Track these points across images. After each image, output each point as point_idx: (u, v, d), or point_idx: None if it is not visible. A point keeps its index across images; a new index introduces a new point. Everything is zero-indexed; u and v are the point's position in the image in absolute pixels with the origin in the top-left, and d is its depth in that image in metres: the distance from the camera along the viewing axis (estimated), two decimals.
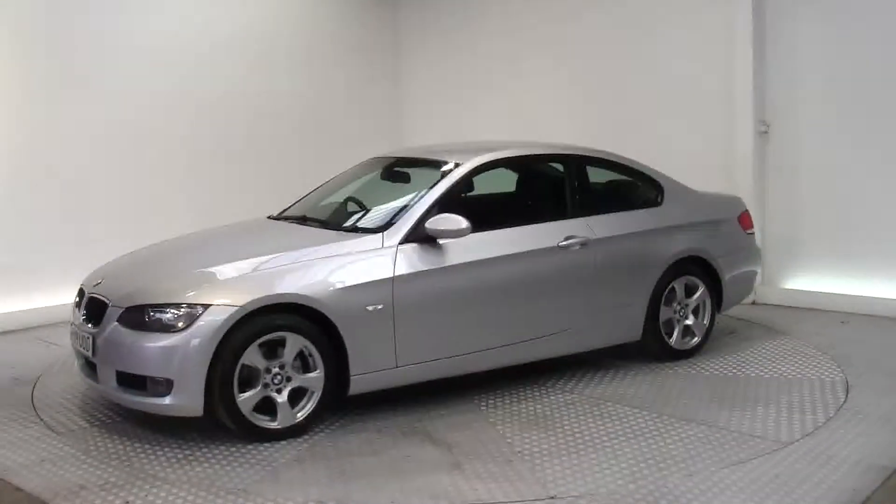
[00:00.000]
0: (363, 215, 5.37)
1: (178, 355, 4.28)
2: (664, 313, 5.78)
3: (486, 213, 5.35)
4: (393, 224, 4.94)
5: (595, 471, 4.10)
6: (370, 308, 4.66)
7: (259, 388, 4.44)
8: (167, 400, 4.35)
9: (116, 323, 4.51)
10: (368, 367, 4.70)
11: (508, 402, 5.11)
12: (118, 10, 7.89)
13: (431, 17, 9.98)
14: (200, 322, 4.30)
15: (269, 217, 5.87)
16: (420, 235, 4.89)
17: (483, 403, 5.08)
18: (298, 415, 4.55)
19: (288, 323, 4.48)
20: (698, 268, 5.92)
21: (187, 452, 4.39)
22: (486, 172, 5.52)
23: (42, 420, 4.94)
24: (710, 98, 7.79)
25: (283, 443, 4.47)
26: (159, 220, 7.56)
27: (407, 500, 3.83)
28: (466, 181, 5.31)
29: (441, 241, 4.92)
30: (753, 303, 7.44)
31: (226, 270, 4.62)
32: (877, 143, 7.03)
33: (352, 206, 5.64)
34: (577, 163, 5.75)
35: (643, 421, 4.74)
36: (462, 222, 4.84)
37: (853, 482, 3.95)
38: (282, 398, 4.50)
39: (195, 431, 4.61)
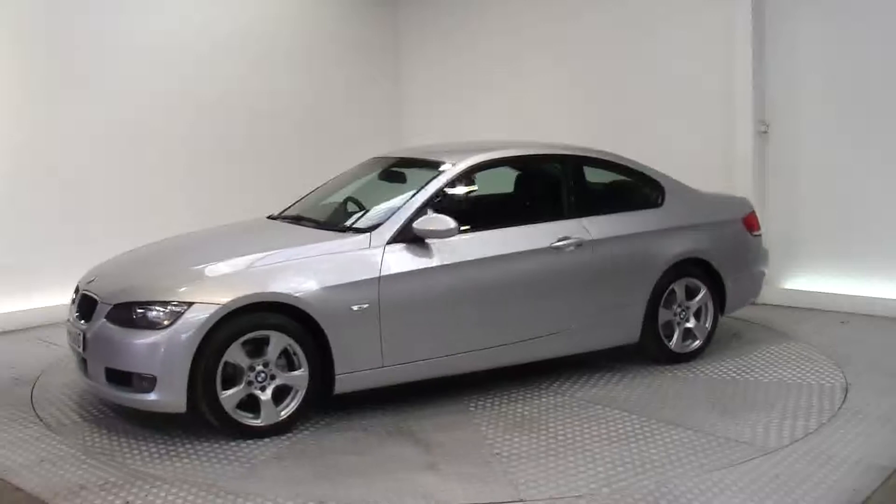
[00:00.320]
0: (357, 215, 5.37)
1: (162, 352, 4.35)
2: (663, 315, 5.72)
3: (478, 213, 5.38)
4: (381, 224, 4.97)
5: (570, 474, 4.08)
6: (355, 308, 4.68)
7: (242, 385, 4.49)
8: (152, 396, 4.42)
9: (104, 319, 4.60)
10: (354, 366, 4.73)
11: (498, 403, 5.10)
12: (118, 10, 7.89)
13: (431, 16, 9.98)
14: (183, 320, 4.37)
15: (268, 217, 5.88)
16: (408, 236, 4.91)
17: (473, 405, 5.08)
18: (282, 413, 4.60)
19: (271, 322, 4.53)
20: (700, 270, 5.85)
21: (188, 450, 4.40)
22: (485, 173, 5.53)
23: (42, 420, 4.94)
24: (710, 98, 7.79)
25: (266, 440, 4.51)
26: (159, 220, 7.56)
27: (378, 498, 3.85)
28: (457, 182, 5.30)
29: (430, 242, 4.94)
30: (753, 303, 7.42)
31: (213, 269, 4.69)
32: (877, 143, 7.03)
33: (349, 207, 5.65)
34: (574, 163, 5.73)
35: (630, 424, 4.71)
36: (450, 223, 4.86)
37: (853, 482, 3.95)
38: (265, 396, 4.55)
39: (196, 430, 4.61)
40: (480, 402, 5.11)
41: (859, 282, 7.20)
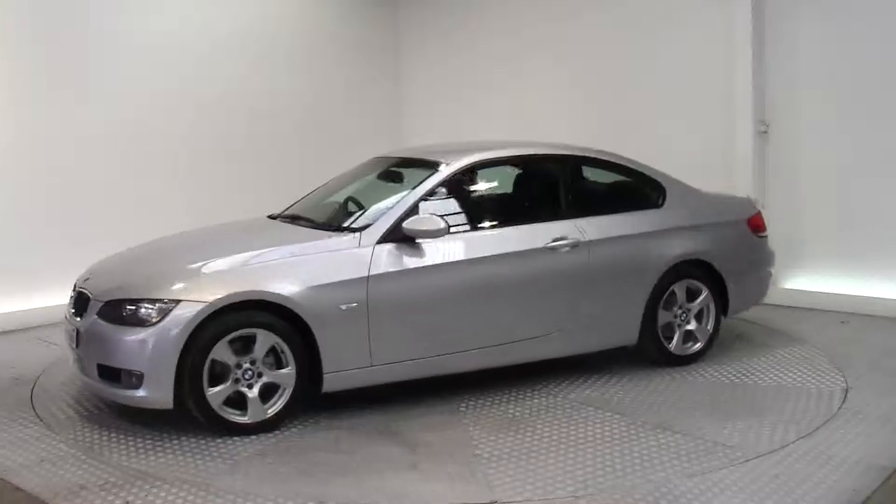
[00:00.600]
0: (352, 215, 5.36)
1: (149, 349, 4.42)
2: (663, 317, 5.66)
3: (471, 213, 5.37)
4: (372, 224, 4.98)
5: (548, 476, 4.07)
6: (343, 307, 4.70)
7: (229, 383, 4.54)
8: (140, 392, 4.49)
9: (96, 316, 4.68)
10: (342, 365, 4.75)
11: (489, 404, 5.09)
12: (118, 10, 7.89)
13: (431, 16, 9.98)
14: (171, 317, 4.43)
15: (269, 216, 5.89)
16: (398, 236, 4.92)
17: (464, 405, 5.07)
18: (269, 411, 4.64)
19: (258, 320, 4.56)
20: (702, 272, 5.78)
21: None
22: (482, 173, 5.54)
23: (42, 420, 4.94)
24: (710, 98, 7.79)
25: (253, 437, 4.55)
26: (159, 220, 7.54)
27: (355, 496, 3.88)
28: (450, 182, 5.30)
29: (420, 242, 4.95)
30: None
31: (202, 268, 4.73)
32: (877, 143, 7.03)
33: (346, 207, 5.65)
34: (572, 163, 5.72)
35: (618, 427, 4.67)
36: (439, 223, 4.88)
37: (853, 482, 3.95)
38: (252, 393, 4.60)
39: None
40: (472, 403, 5.10)
41: (859, 282, 7.19)
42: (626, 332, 5.58)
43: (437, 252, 4.99)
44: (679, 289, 5.71)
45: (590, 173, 5.87)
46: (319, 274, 4.71)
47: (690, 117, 7.92)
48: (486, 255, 5.12)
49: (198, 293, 4.50)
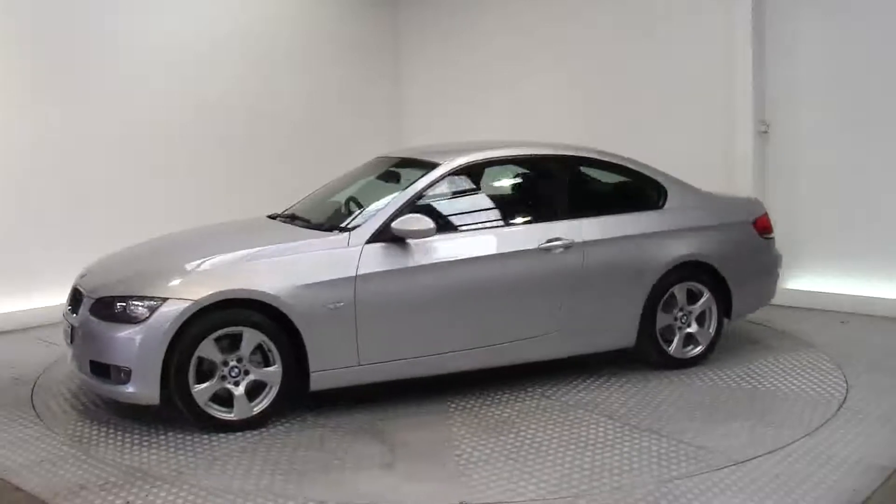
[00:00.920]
0: (348, 215, 5.36)
1: (136, 345, 4.50)
2: (662, 320, 5.59)
3: (464, 214, 5.38)
4: (362, 224, 5.01)
5: (522, 478, 4.05)
6: (330, 306, 4.73)
7: (215, 380, 4.60)
8: (129, 388, 4.57)
9: (88, 313, 4.77)
10: (329, 364, 4.79)
11: (480, 405, 5.08)
12: (118, 10, 7.89)
13: (431, 17, 9.98)
14: (157, 314, 4.50)
15: (268, 216, 5.89)
16: (388, 236, 4.93)
17: (454, 406, 5.06)
18: (255, 408, 4.69)
19: (243, 318, 4.60)
20: (705, 274, 5.69)
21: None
22: (479, 174, 5.54)
23: (42, 420, 4.94)
24: (710, 98, 7.79)
25: (238, 434, 4.59)
26: (160, 220, 7.53)
27: (320, 494, 3.90)
28: (443, 183, 5.30)
29: (410, 242, 4.96)
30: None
31: (191, 266, 4.79)
32: (877, 143, 7.03)
33: (343, 206, 5.65)
34: (569, 164, 5.68)
35: (604, 430, 4.64)
36: (428, 223, 4.90)
37: (853, 482, 3.95)
38: (239, 391, 4.65)
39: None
40: (462, 404, 5.09)
41: (859, 282, 7.20)
42: (624, 334, 5.54)
43: (426, 252, 4.99)
44: (679, 291, 5.64)
45: (588, 174, 5.83)
46: (307, 273, 4.75)
47: (690, 117, 7.91)
48: (476, 255, 5.12)
49: (184, 291, 4.57)
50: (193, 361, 4.54)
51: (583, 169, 5.79)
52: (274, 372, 4.69)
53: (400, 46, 10.25)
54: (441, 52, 9.90)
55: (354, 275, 4.80)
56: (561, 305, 5.32)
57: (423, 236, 4.93)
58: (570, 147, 5.91)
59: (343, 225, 5.13)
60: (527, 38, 9.09)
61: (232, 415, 4.64)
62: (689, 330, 5.71)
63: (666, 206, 5.78)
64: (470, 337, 5.14)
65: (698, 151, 7.79)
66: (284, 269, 4.74)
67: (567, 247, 5.32)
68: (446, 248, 5.07)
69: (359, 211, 5.36)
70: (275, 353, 4.67)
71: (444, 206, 5.31)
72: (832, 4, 7.20)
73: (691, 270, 5.67)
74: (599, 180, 5.91)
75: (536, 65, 9.06)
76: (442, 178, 5.30)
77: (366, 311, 4.81)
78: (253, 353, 4.66)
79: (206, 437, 4.57)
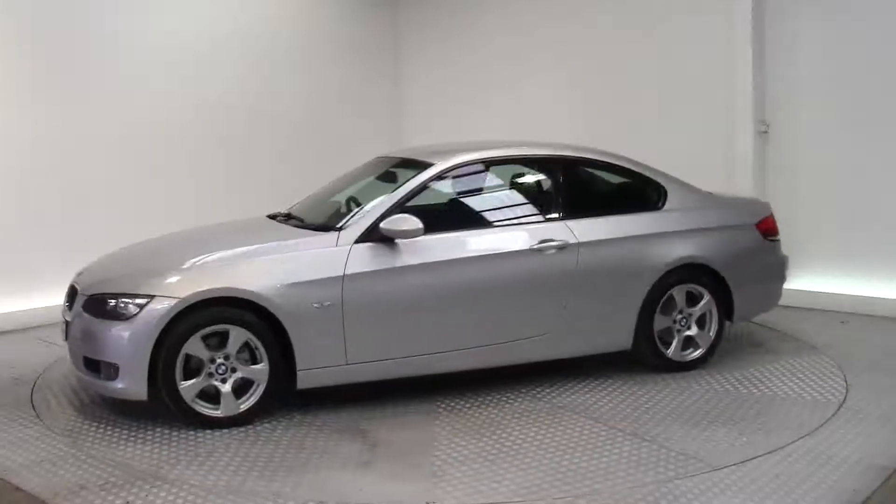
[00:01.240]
0: (345, 215, 5.34)
1: (124, 342, 4.59)
2: (660, 322, 5.53)
3: (457, 214, 5.38)
4: (351, 224, 5.03)
5: (494, 480, 4.03)
6: (318, 305, 4.76)
7: (202, 376, 4.66)
8: (118, 384, 4.65)
9: (81, 309, 4.86)
10: (316, 362, 4.82)
11: (469, 406, 5.07)
12: (118, 10, 7.89)
13: (432, 17, 9.98)
14: (145, 312, 4.58)
15: (268, 216, 5.90)
16: (376, 236, 4.95)
17: (443, 406, 5.05)
18: (242, 405, 4.73)
19: (230, 315, 4.65)
20: (705, 276, 5.62)
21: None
22: (476, 174, 5.54)
23: (42, 420, 4.94)
24: (710, 98, 7.79)
25: (224, 431, 4.64)
26: (159, 220, 7.53)
27: (291, 491, 3.93)
28: (436, 183, 5.30)
29: (399, 242, 4.96)
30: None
31: (181, 264, 4.86)
32: (877, 143, 7.03)
33: (341, 206, 5.65)
34: (565, 165, 5.63)
35: (588, 433, 4.59)
36: (415, 223, 4.91)
37: (853, 482, 3.95)
38: (226, 388, 4.70)
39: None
40: (451, 404, 5.08)
41: (859, 282, 7.20)
42: (619, 336, 5.48)
43: (415, 252, 4.99)
44: (678, 293, 5.57)
45: (584, 174, 5.78)
46: (295, 272, 4.79)
47: (690, 117, 7.92)
48: (466, 256, 5.11)
49: (172, 289, 4.64)
50: (181, 358, 4.60)
51: (579, 169, 5.74)
52: (261, 370, 4.73)
53: (400, 46, 10.26)
54: (441, 51, 9.90)
55: (342, 274, 4.82)
56: (566, 305, 5.30)
57: (411, 236, 4.94)
58: (567, 147, 5.86)
59: (333, 225, 5.14)
60: (527, 38, 9.09)
61: (219, 411, 4.69)
62: (688, 333, 5.65)
63: (665, 206, 5.73)
64: (459, 338, 5.13)
65: (698, 151, 7.79)
66: (272, 268, 4.79)
67: (560, 248, 5.29)
68: (435, 248, 5.06)
69: (356, 211, 5.36)
70: (261, 351, 4.72)
71: (436, 207, 5.31)
72: (832, 4, 7.20)
73: (691, 272, 5.61)
74: (596, 181, 5.86)
75: (536, 65, 9.06)
76: (434, 178, 5.30)
77: (353, 311, 4.83)
78: (241, 351, 4.71)
79: (192, 433, 4.63)
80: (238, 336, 4.67)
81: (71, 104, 7.60)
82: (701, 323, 5.68)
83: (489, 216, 5.49)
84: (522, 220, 5.44)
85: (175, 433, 4.64)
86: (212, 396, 4.70)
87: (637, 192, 5.83)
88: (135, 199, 8.00)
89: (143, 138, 8.06)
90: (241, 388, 4.73)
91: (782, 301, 7.39)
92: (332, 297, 4.79)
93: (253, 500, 3.85)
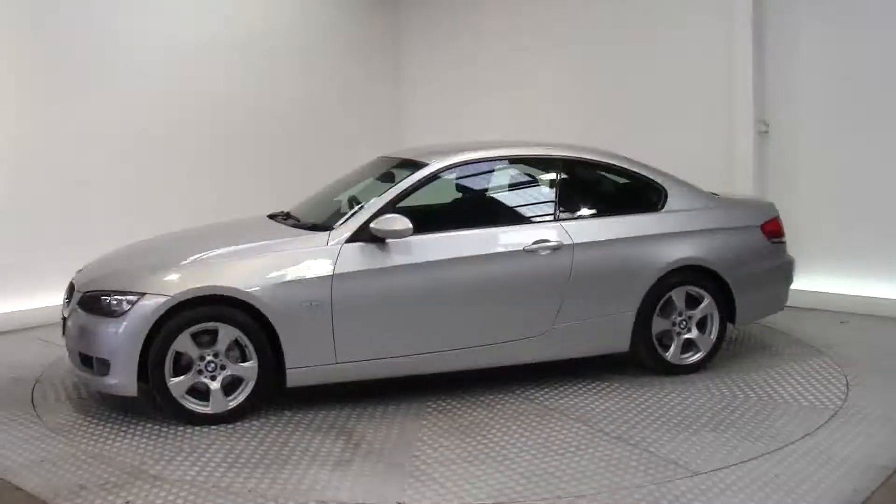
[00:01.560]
0: (342, 215, 5.32)
1: (115, 338, 4.66)
2: (659, 325, 5.47)
3: (450, 214, 5.39)
4: (342, 223, 5.05)
5: (469, 482, 4.02)
6: (307, 304, 4.79)
7: (191, 373, 4.72)
8: (110, 380, 4.71)
9: (76, 306, 4.94)
10: (305, 361, 4.85)
11: (459, 406, 5.05)
12: (118, 10, 7.89)
13: (432, 18, 9.98)
14: (135, 309, 4.65)
15: (268, 216, 5.90)
16: (366, 235, 4.97)
17: (433, 406, 5.05)
18: (231, 403, 4.78)
19: (218, 313, 4.70)
20: (706, 278, 5.55)
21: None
22: (475, 174, 5.55)
23: (42, 420, 4.94)
24: (710, 98, 7.79)
25: (212, 427, 4.69)
26: (160, 220, 7.54)
27: (267, 488, 3.96)
28: (429, 183, 5.29)
29: (390, 242, 4.97)
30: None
31: (174, 263, 4.92)
32: (877, 143, 7.04)
33: (340, 206, 5.64)
34: (563, 165, 5.60)
35: (573, 436, 4.55)
36: (405, 223, 4.92)
37: (853, 482, 3.95)
38: (215, 385, 4.75)
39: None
40: (441, 405, 5.07)
41: (859, 282, 7.20)
42: (616, 339, 5.43)
43: (405, 252, 5.00)
44: (677, 296, 5.51)
45: (582, 175, 5.75)
46: (285, 271, 4.82)
47: (690, 117, 7.92)
48: (457, 256, 5.09)
49: (162, 287, 4.70)
50: (170, 355, 4.65)
51: (576, 170, 5.70)
52: (250, 368, 4.77)
53: (401, 47, 10.26)
54: (442, 52, 9.91)
55: (331, 273, 4.84)
56: (558, 309, 5.27)
57: (400, 236, 4.95)
58: (566, 147, 5.81)
59: (326, 225, 5.15)
60: (527, 38, 9.10)
61: (208, 408, 4.73)
62: (688, 335, 5.57)
63: (665, 207, 5.67)
64: (449, 338, 5.12)
65: (698, 151, 7.79)
66: (262, 266, 4.83)
67: (555, 249, 5.27)
68: (426, 248, 5.05)
69: (352, 210, 5.36)
70: (251, 349, 4.75)
71: (430, 207, 5.31)
72: (832, 4, 7.20)
73: (691, 274, 5.55)
74: (593, 181, 5.83)
75: (537, 65, 9.06)
76: (428, 178, 5.29)
77: (343, 310, 4.85)
78: (231, 348, 4.74)
79: (179, 429, 4.68)
80: (227, 334, 4.71)
81: (71, 104, 7.60)
82: (702, 326, 5.62)
83: (483, 216, 5.46)
84: (517, 220, 5.44)
85: (164, 429, 4.70)
86: (201, 393, 4.75)
87: (636, 192, 5.78)
88: (135, 198, 8.00)
89: (144, 138, 8.06)
90: (231, 386, 4.77)
91: None
92: (321, 296, 4.82)
93: (228, 498, 3.86)
